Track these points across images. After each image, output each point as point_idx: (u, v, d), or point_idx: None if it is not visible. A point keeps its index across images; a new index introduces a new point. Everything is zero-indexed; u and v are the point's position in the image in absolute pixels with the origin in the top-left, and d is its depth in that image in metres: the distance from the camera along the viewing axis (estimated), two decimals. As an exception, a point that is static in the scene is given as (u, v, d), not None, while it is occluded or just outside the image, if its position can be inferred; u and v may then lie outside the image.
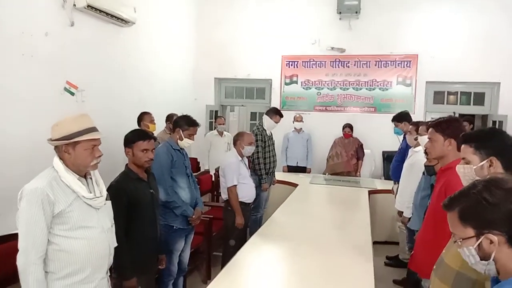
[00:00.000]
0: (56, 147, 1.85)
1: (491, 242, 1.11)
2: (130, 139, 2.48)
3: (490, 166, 1.61)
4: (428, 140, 2.28)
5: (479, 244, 1.14)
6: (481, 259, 1.15)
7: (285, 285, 2.37)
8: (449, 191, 2.09)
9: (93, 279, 1.86)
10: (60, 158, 1.84)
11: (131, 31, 5.28)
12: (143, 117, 4.67)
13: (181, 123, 3.08)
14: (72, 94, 4.37)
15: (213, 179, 5.19)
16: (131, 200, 2.37)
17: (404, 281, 4.04)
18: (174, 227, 2.96)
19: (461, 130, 2.23)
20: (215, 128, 6.14)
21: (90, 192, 1.87)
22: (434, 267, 1.78)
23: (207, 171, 5.35)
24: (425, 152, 2.82)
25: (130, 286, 2.30)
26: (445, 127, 2.21)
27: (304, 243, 3.10)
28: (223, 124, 6.00)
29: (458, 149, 2.20)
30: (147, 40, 5.77)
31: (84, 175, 1.90)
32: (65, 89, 4.30)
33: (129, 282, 2.30)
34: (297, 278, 2.46)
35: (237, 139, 3.71)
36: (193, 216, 3.05)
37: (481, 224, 1.13)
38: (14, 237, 2.35)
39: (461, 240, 1.19)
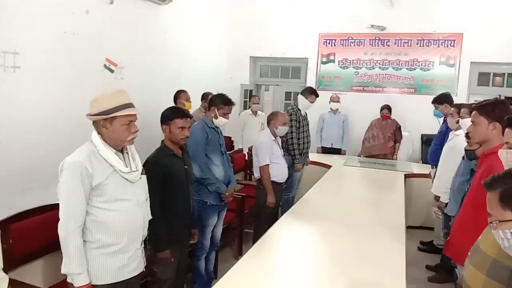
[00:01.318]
0: (94, 122, 1.90)
1: None
2: (168, 116, 2.51)
3: (536, 150, 1.52)
4: (471, 123, 2.18)
5: None
6: None
7: (315, 264, 2.38)
8: (490, 177, 2.01)
9: (128, 250, 1.94)
10: (98, 133, 1.90)
11: (168, 9, 5.32)
12: (179, 95, 4.73)
13: (217, 102, 3.09)
14: (112, 71, 4.48)
15: (246, 158, 5.22)
16: (166, 175, 2.43)
17: (438, 267, 3.96)
18: (208, 203, 3.02)
19: (507, 113, 2.11)
20: (249, 107, 6.13)
21: (127, 166, 1.93)
22: (469, 253, 1.72)
23: (241, 150, 5.38)
24: (467, 136, 2.72)
25: (164, 257, 2.38)
26: (490, 109, 2.10)
27: (336, 223, 3.09)
28: (258, 103, 5.98)
29: (503, 133, 2.10)
30: (184, 18, 5.79)
31: (121, 150, 1.96)
32: (105, 66, 4.41)
33: (163, 254, 2.38)
34: (327, 257, 2.46)
35: (271, 119, 3.70)
36: (226, 193, 3.09)
37: None
38: (57, 206, 2.51)
39: (497, 222, 1.14)
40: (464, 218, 2.23)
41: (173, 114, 2.53)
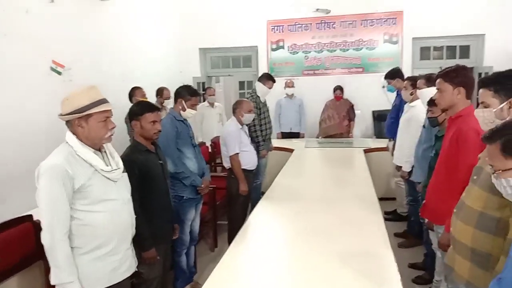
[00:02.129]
0: (68, 122, 1.80)
1: None
2: (137, 112, 2.42)
3: (510, 107, 1.63)
4: (436, 90, 2.29)
5: None
6: None
7: (303, 241, 2.41)
8: (460, 139, 2.15)
9: (119, 251, 1.87)
10: (73, 133, 1.79)
11: (112, 4, 5.09)
12: (135, 92, 4.57)
13: (183, 93, 3.02)
14: (59, 73, 4.23)
15: (210, 150, 5.17)
16: (143, 172, 2.34)
17: (405, 233, 4.17)
18: (184, 197, 2.96)
19: (469, 78, 2.26)
20: (205, 99, 6.05)
21: (107, 165, 1.84)
22: (455, 210, 1.83)
23: (203, 143, 5.32)
24: (429, 104, 2.87)
25: (150, 256, 2.30)
26: (454, 76, 2.22)
27: (312, 202, 3.17)
28: (213, 95, 5.92)
29: (467, 97, 2.25)
30: (129, 13, 5.58)
31: (98, 149, 1.86)
32: (52, 68, 4.15)
33: (149, 253, 2.30)
34: (313, 233, 2.51)
35: (236, 107, 3.68)
36: (202, 186, 3.04)
37: None
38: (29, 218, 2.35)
39: (500, 171, 1.21)
40: (438, 181, 2.35)
41: (142, 109, 2.44)
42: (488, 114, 1.68)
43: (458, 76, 2.21)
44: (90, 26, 4.75)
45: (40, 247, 2.30)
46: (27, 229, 2.31)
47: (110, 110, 1.84)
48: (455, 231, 1.78)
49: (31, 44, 3.81)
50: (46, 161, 1.71)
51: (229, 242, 3.62)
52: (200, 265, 3.56)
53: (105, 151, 1.90)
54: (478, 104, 1.82)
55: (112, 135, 1.86)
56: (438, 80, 2.27)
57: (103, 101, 1.82)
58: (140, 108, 2.45)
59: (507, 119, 1.56)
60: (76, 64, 4.39)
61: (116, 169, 1.87)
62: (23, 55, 3.71)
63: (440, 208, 2.29)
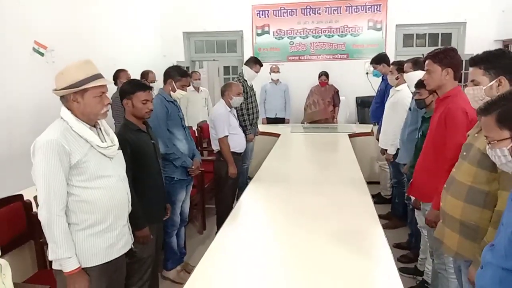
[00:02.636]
0: (62, 97, 1.76)
1: None
2: (129, 90, 2.39)
3: (499, 85, 1.69)
4: (426, 71, 2.35)
5: None
6: None
7: (295, 220, 2.45)
8: (449, 118, 2.21)
9: (116, 227, 1.86)
10: (68, 109, 1.76)
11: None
12: (119, 74, 4.50)
13: (174, 74, 2.99)
14: (42, 54, 4.14)
15: (196, 134, 5.15)
16: (135, 151, 2.32)
17: (389, 215, 4.28)
18: (175, 178, 2.95)
19: (457, 59, 2.32)
20: (190, 84, 5.99)
21: (103, 142, 1.82)
22: (445, 186, 1.90)
23: (190, 127, 5.29)
24: (417, 86, 2.94)
25: (143, 235, 2.30)
26: (442, 57, 2.27)
27: (302, 184, 3.22)
28: (199, 79, 5.88)
29: (455, 78, 2.31)
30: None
31: (93, 125, 1.84)
32: (34, 49, 4.05)
33: (142, 232, 2.29)
34: (304, 213, 2.56)
35: (225, 90, 3.67)
36: (193, 167, 3.04)
37: None
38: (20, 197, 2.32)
39: (495, 141, 1.26)
40: (426, 160, 2.42)
41: (134, 87, 2.41)
42: (478, 92, 1.74)
43: (446, 58, 2.26)
44: (73, 8, 4.65)
45: (31, 227, 2.31)
46: (17, 209, 2.27)
47: (105, 85, 1.81)
48: (445, 205, 1.85)
49: (12, 24, 3.71)
50: (41, 137, 1.68)
51: (218, 225, 3.68)
52: (189, 247, 3.58)
53: (100, 128, 1.88)
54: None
55: (107, 110, 1.84)
56: (427, 62, 2.32)
57: (99, 76, 1.79)
58: (131, 86, 2.42)
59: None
60: (59, 46, 4.30)
61: (111, 146, 1.85)
62: (3, 35, 3.61)
63: (427, 186, 2.36)
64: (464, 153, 1.81)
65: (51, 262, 1.79)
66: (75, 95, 1.74)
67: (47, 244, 1.71)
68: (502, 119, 1.25)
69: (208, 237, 3.92)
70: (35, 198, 2.35)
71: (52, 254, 1.68)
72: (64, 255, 1.67)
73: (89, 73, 1.75)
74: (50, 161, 1.64)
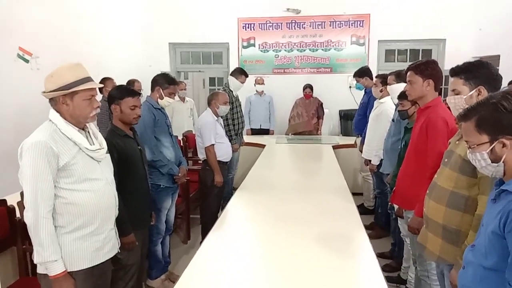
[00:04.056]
0: (51, 100, 1.76)
1: (504, 145, 1.27)
2: (117, 95, 2.40)
3: (478, 94, 1.77)
4: (408, 82, 2.42)
5: (491, 149, 1.28)
6: (492, 162, 1.30)
7: (282, 226, 2.48)
8: (430, 127, 2.28)
9: (103, 231, 1.85)
10: (57, 111, 1.76)
11: (82, -7, 4.99)
12: (105, 82, 4.48)
13: (161, 81, 3.01)
14: (27, 61, 4.12)
15: (181, 144, 5.14)
16: (122, 157, 2.32)
17: (373, 225, 4.33)
18: (161, 186, 2.95)
19: (438, 71, 2.41)
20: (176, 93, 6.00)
21: (91, 145, 1.82)
22: (428, 191, 1.96)
23: (175, 137, 5.29)
24: (400, 98, 3.03)
25: (129, 241, 2.27)
26: (424, 68, 2.36)
27: (288, 192, 3.25)
28: (185, 89, 5.90)
29: (436, 89, 2.39)
30: (100, 4, 5.49)
31: (82, 128, 1.84)
32: (19, 55, 4.02)
33: (128, 238, 2.27)
34: (291, 218, 2.59)
35: (212, 99, 3.70)
36: (179, 174, 3.04)
37: (496, 130, 1.27)
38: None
39: (475, 146, 1.32)
40: (408, 168, 2.49)
41: (123, 93, 2.42)
42: (459, 101, 1.81)
43: (428, 69, 2.35)
44: (60, 15, 4.65)
45: (14, 233, 2.27)
46: (0, 214, 2.23)
47: (95, 88, 1.82)
48: (428, 210, 1.90)
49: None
50: (29, 138, 1.67)
51: (203, 234, 3.66)
52: (174, 256, 3.55)
53: (88, 131, 1.87)
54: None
55: (96, 114, 1.84)
56: (409, 73, 2.40)
57: (89, 79, 1.80)
58: (120, 92, 2.43)
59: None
60: (44, 53, 4.28)
61: (100, 149, 1.85)
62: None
63: (410, 193, 2.42)
64: (446, 160, 1.88)
65: (33, 269, 1.77)
66: (65, 98, 1.74)
67: (30, 251, 1.69)
68: (480, 124, 1.31)
69: (192, 246, 3.89)
70: (19, 203, 2.33)
71: (37, 257, 1.66)
72: (50, 258, 1.65)
73: (79, 76, 1.76)
74: (38, 162, 1.63)
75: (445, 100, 2.17)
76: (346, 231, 2.41)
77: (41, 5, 4.29)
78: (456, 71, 1.84)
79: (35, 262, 1.68)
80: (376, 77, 4.20)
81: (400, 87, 3.22)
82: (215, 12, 6.79)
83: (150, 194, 2.67)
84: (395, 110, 3.31)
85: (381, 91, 3.95)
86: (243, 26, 6.85)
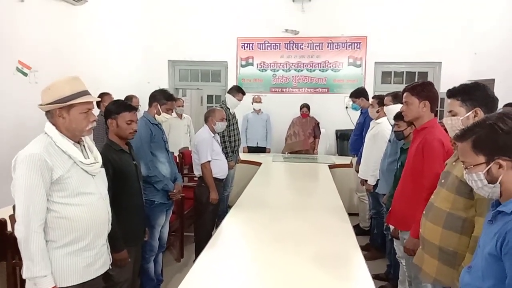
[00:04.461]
0: (48, 112, 1.76)
1: (500, 166, 1.26)
2: (114, 110, 2.40)
3: (475, 116, 1.78)
4: (404, 103, 2.44)
5: (488, 169, 1.28)
6: (488, 183, 1.30)
7: (277, 244, 2.45)
8: (426, 148, 2.29)
9: (95, 246, 1.82)
10: (53, 124, 1.75)
11: (84, 10, 5.05)
12: (103, 98, 4.48)
13: (159, 97, 3.02)
14: (25, 74, 4.12)
15: (177, 160, 5.12)
16: (117, 171, 2.31)
17: (368, 246, 4.30)
18: (156, 202, 2.92)
19: (434, 92, 2.43)
20: (174, 110, 6.01)
21: (86, 158, 1.81)
22: (424, 212, 1.94)
23: (171, 153, 5.27)
24: (396, 119, 3.04)
25: (121, 258, 2.23)
26: (420, 90, 2.37)
27: (283, 210, 3.24)
28: (182, 106, 5.91)
29: (432, 110, 2.41)
30: (100, 20, 5.54)
31: (77, 142, 1.83)
32: (17, 69, 4.03)
33: (120, 254, 2.23)
34: (286, 237, 2.57)
35: (209, 116, 3.70)
36: (174, 191, 3.02)
37: (493, 151, 1.27)
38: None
39: (471, 166, 1.32)
40: (404, 189, 2.48)
41: (120, 108, 2.42)
42: (456, 122, 1.82)
43: (424, 91, 2.37)
44: (60, 29, 4.68)
45: (4, 247, 2.22)
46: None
47: (92, 102, 1.82)
48: (424, 231, 1.89)
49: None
50: (24, 151, 1.66)
51: (196, 252, 3.61)
52: (166, 275, 3.49)
53: (84, 145, 1.86)
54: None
55: (93, 127, 1.84)
56: (405, 94, 2.42)
57: (86, 92, 1.80)
58: (117, 106, 2.43)
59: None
60: (43, 66, 4.30)
61: (95, 163, 1.84)
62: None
63: (406, 214, 2.41)
64: (443, 181, 1.87)
65: (22, 285, 1.73)
66: (61, 111, 1.73)
67: (20, 266, 1.65)
68: (477, 145, 1.31)
69: (185, 265, 3.83)
70: (11, 217, 2.29)
71: (27, 272, 1.62)
72: (39, 273, 1.61)
73: (77, 89, 1.76)
74: (32, 175, 1.61)
75: (441, 121, 2.19)
76: (342, 252, 2.38)
77: (41, 20, 4.32)
78: (453, 93, 1.86)
79: (24, 277, 1.65)
80: (372, 97, 4.23)
81: (397, 108, 3.24)
82: (215, 31, 6.88)
83: (144, 210, 2.65)
84: (392, 130, 3.32)
85: (377, 111, 3.97)
86: (242, 46, 6.93)
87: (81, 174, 1.77)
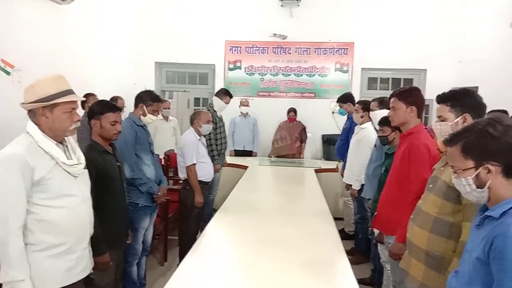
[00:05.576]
0: (30, 111, 1.71)
1: (489, 171, 1.27)
2: (98, 111, 2.35)
3: (464, 122, 1.79)
4: (391, 108, 2.45)
5: (477, 174, 1.29)
6: (476, 188, 1.30)
7: (263, 250, 2.42)
8: (412, 153, 2.30)
9: (76, 249, 1.77)
10: (36, 123, 1.70)
11: (70, 9, 4.98)
12: (88, 98, 4.42)
13: (145, 99, 2.97)
14: (8, 73, 4.03)
15: (163, 163, 5.06)
16: (100, 173, 2.26)
17: (353, 250, 4.30)
18: (140, 205, 2.87)
19: (421, 98, 2.45)
20: (160, 111, 5.95)
21: (69, 159, 1.76)
22: (412, 216, 1.95)
23: (157, 156, 5.21)
24: (381, 124, 3.06)
25: (103, 261, 2.18)
26: (407, 95, 2.39)
27: (269, 214, 3.21)
28: (168, 108, 5.86)
29: (418, 116, 2.43)
30: (87, 20, 5.47)
31: (60, 142, 1.78)
32: (0, 67, 3.93)
33: (102, 258, 2.17)
34: (272, 243, 2.53)
35: (194, 118, 3.67)
36: (159, 193, 2.97)
37: (482, 156, 1.27)
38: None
39: (460, 171, 1.32)
40: (390, 193, 2.49)
41: (104, 108, 2.38)
42: (445, 127, 1.83)
43: (411, 96, 2.39)
44: (45, 29, 4.60)
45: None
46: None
47: (76, 101, 1.78)
48: (411, 236, 1.89)
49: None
50: (4, 150, 1.61)
51: (180, 256, 3.56)
52: (149, 279, 3.42)
53: (67, 145, 1.82)
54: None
55: (76, 127, 1.79)
56: (392, 99, 2.44)
57: (70, 91, 1.76)
58: (101, 107, 2.39)
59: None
60: (27, 66, 4.20)
61: (77, 164, 1.79)
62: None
63: (391, 219, 2.41)
64: (430, 185, 1.88)
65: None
66: (44, 110, 1.69)
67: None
68: (466, 150, 1.31)
69: (169, 268, 3.77)
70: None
71: (4, 275, 1.56)
72: (17, 277, 1.56)
73: (61, 88, 1.72)
74: (12, 175, 1.56)
75: (427, 128, 2.20)
76: (328, 256, 2.37)
77: (25, 19, 4.23)
78: (443, 98, 1.87)
79: (0, 281, 1.59)
80: (357, 103, 4.25)
81: (383, 113, 3.27)
82: (203, 33, 6.84)
83: (128, 213, 2.60)
84: (377, 135, 3.34)
85: (362, 117, 4.00)
86: (230, 49, 6.91)
87: (63, 175, 1.72)
